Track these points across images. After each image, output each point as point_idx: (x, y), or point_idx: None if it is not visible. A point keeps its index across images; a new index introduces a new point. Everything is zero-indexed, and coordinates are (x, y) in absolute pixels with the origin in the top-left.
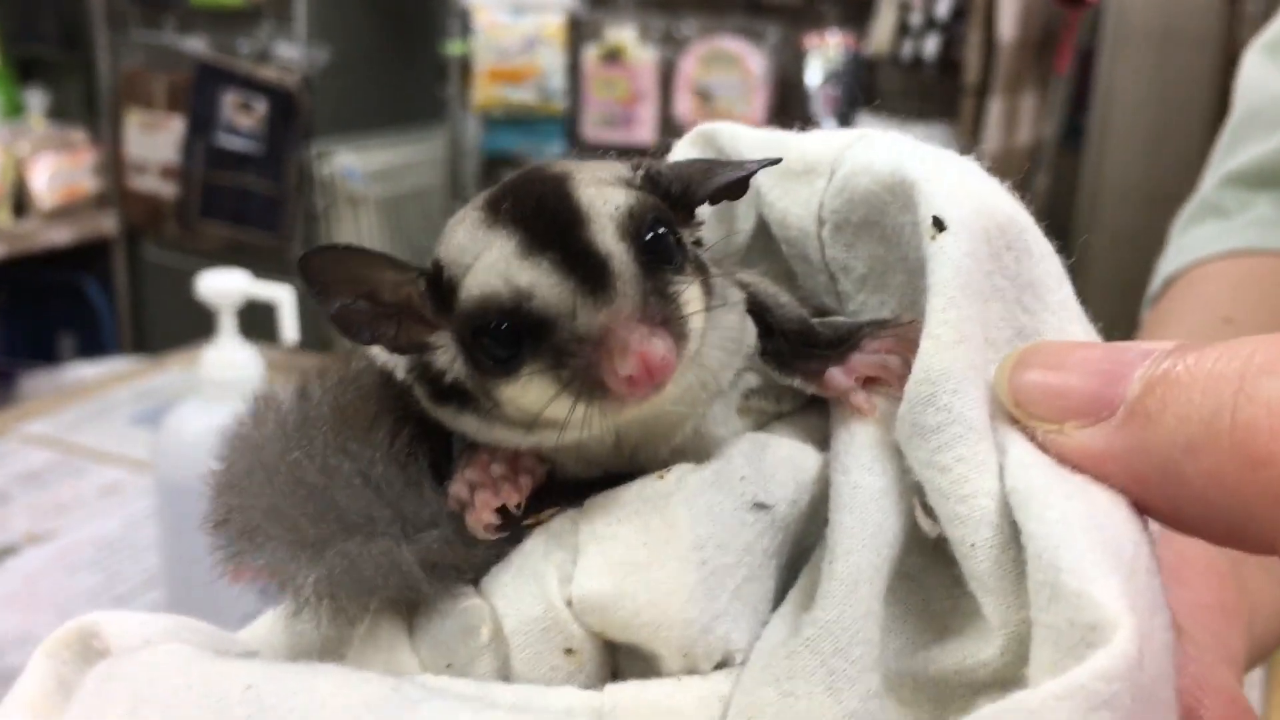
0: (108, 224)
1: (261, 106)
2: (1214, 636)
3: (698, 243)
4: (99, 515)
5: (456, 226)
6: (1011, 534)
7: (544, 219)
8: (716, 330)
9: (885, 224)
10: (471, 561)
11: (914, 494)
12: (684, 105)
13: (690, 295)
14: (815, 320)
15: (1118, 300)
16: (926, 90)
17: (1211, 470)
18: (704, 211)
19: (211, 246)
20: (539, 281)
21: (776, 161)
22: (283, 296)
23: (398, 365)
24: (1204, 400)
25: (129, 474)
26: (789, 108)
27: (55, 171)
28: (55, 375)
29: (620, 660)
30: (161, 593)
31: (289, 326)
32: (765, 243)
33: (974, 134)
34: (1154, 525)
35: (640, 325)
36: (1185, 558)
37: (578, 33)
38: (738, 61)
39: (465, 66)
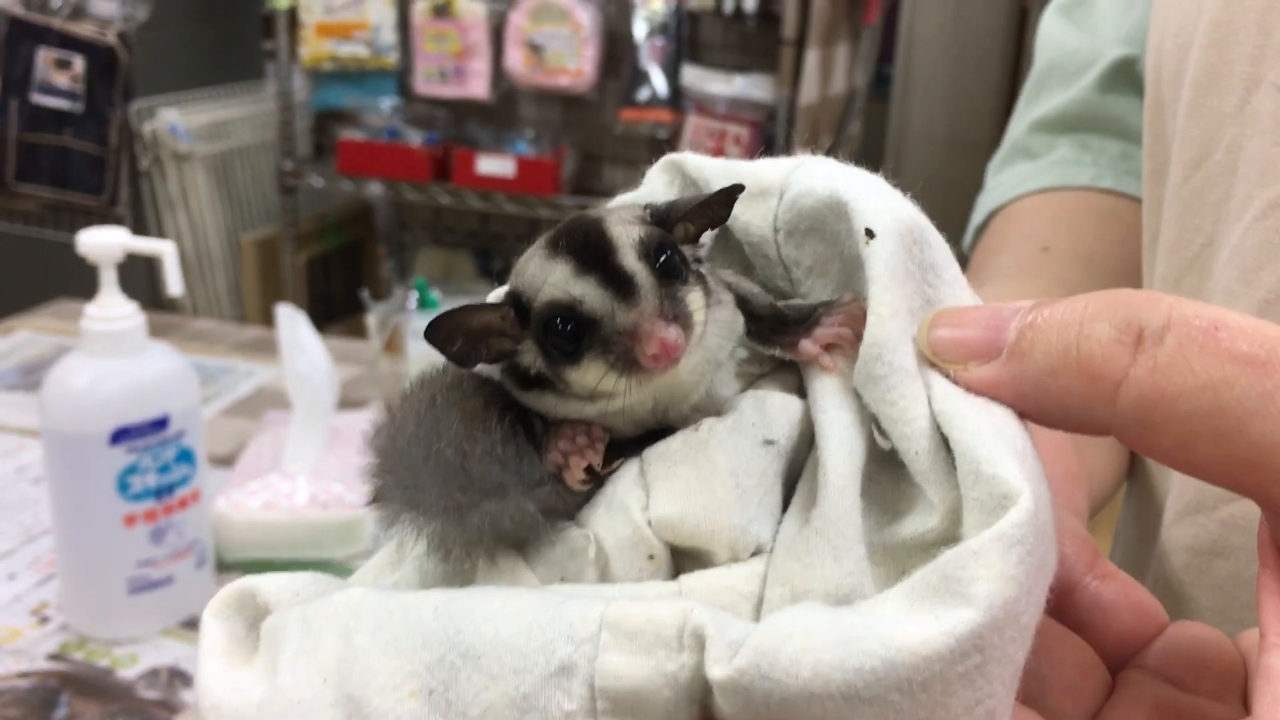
0: None
1: (79, 64)
2: (1065, 497)
3: (698, 260)
4: None
5: (527, 263)
6: (940, 441)
7: (589, 250)
8: (715, 321)
9: (825, 230)
10: (573, 505)
11: (870, 422)
12: (515, 59)
13: (693, 298)
14: (781, 304)
15: None
16: (748, 42)
17: (1066, 385)
18: (705, 235)
19: (31, 210)
20: (588, 293)
21: (741, 189)
22: (166, 250)
23: (493, 371)
24: (1058, 340)
25: None
26: (618, 60)
27: None
28: None
29: (679, 560)
30: (51, 541)
31: (173, 281)
32: (724, 244)
33: (793, 84)
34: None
35: (658, 320)
36: (1039, 440)
37: None
38: (567, 15)
39: (293, 20)
